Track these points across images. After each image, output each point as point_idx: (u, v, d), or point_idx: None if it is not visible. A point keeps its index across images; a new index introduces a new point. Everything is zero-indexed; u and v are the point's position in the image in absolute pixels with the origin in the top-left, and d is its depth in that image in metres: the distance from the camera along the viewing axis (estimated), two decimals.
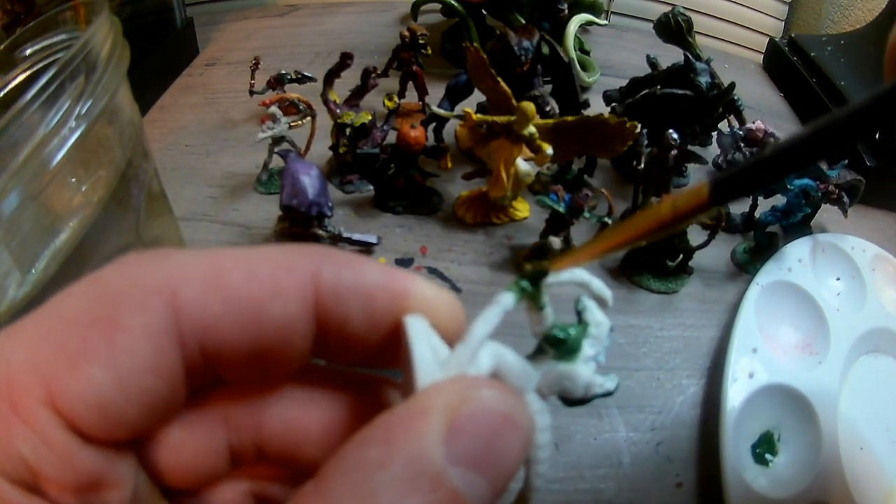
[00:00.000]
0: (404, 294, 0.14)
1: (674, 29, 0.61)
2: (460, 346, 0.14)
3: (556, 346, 0.15)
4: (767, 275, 0.46)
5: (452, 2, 0.69)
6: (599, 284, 0.16)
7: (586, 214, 0.45)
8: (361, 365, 0.16)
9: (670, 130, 0.48)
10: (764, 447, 0.37)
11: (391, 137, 0.52)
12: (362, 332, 0.14)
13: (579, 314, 0.16)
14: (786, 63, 0.76)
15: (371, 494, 0.11)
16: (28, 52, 0.33)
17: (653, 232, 0.13)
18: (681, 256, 0.48)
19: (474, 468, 0.12)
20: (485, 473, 0.12)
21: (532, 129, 0.45)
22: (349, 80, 0.55)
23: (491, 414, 0.13)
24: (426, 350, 0.14)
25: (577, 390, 0.15)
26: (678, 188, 0.57)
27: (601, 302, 0.16)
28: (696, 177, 0.59)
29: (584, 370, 0.15)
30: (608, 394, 0.16)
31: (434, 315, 0.15)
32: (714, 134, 0.60)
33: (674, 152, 0.49)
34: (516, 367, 0.14)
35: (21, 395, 0.12)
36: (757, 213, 0.52)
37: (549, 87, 0.55)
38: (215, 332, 0.13)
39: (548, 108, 0.49)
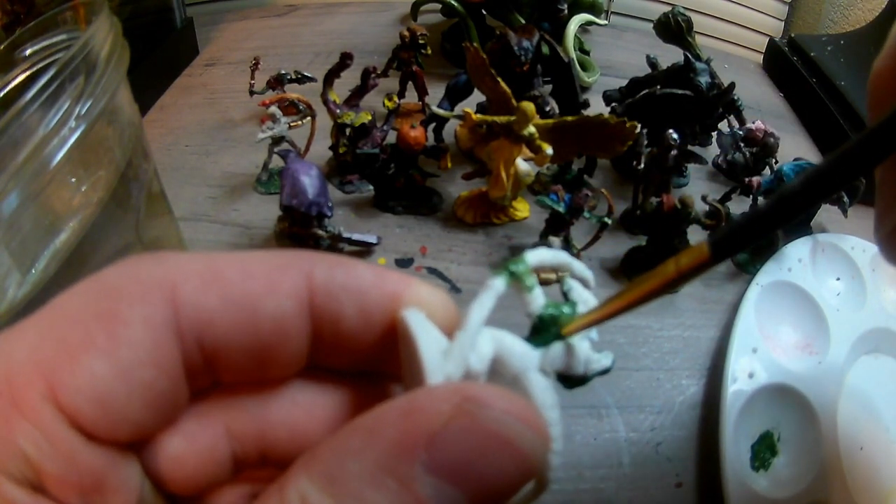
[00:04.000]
0: (397, 292, 0.15)
1: (674, 29, 0.61)
2: (460, 334, 0.14)
3: (550, 325, 0.15)
4: (767, 275, 0.46)
5: (452, 2, 0.69)
6: (580, 266, 0.17)
7: (586, 214, 0.45)
8: (358, 369, 0.16)
9: (670, 130, 0.48)
10: (764, 447, 0.37)
11: (391, 137, 0.52)
12: (356, 330, 0.15)
13: (565, 295, 0.16)
14: (786, 63, 0.76)
15: (341, 480, 0.11)
16: (28, 52, 0.33)
17: (659, 291, 0.14)
18: None
19: (453, 483, 0.12)
20: (463, 489, 0.12)
21: (532, 129, 0.45)
22: (349, 80, 0.55)
23: (482, 432, 0.12)
24: (430, 340, 0.14)
25: (579, 366, 0.15)
26: (678, 188, 0.57)
27: (584, 283, 0.17)
28: (696, 177, 0.59)
29: (582, 345, 0.15)
30: (606, 371, 0.16)
31: (428, 311, 0.15)
32: (714, 134, 0.60)
33: (674, 152, 0.49)
34: (517, 349, 0.14)
35: (22, 390, 0.12)
36: None
37: (549, 87, 0.55)
38: (213, 327, 0.13)
39: (548, 108, 0.49)
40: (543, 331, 0.15)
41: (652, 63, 0.60)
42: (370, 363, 0.16)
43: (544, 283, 0.16)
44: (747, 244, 0.13)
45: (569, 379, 0.15)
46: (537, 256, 0.16)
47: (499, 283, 0.15)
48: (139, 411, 0.13)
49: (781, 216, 0.12)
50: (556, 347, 0.15)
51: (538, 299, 0.15)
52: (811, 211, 0.50)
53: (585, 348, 0.15)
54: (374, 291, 0.15)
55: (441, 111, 0.53)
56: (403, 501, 0.11)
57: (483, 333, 0.14)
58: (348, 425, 0.12)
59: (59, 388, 0.12)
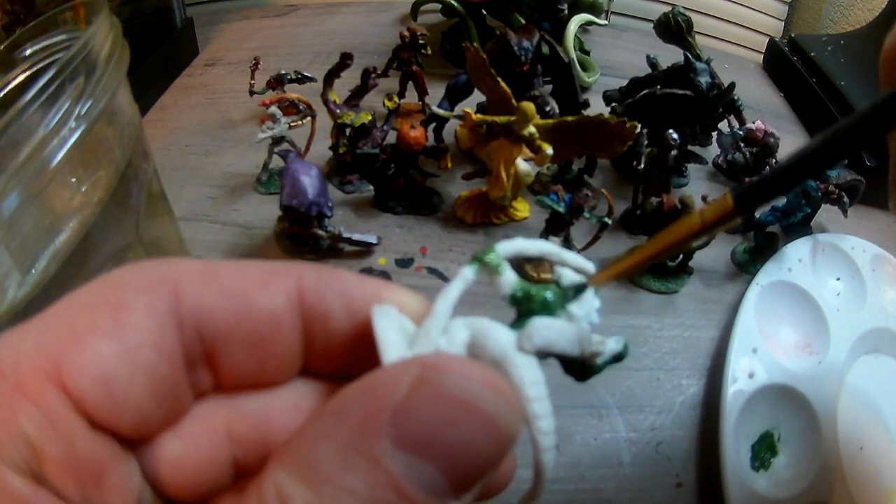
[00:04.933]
0: (378, 293, 0.15)
1: (674, 29, 0.61)
2: (427, 321, 0.14)
3: (524, 303, 0.15)
4: (767, 275, 0.46)
5: (452, 2, 0.69)
6: (573, 256, 0.16)
7: (586, 214, 0.45)
8: (354, 374, 0.16)
9: (670, 130, 0.48)
10: (764, 447, 0.37)
11: (391, 137, 0.52)
12: (344, 329, 0.15)
13: (556, 283, 0.16)
14: (786, 63, 0.76)
15: (313, 466, 0.11)
16: (28, 52, 0.33)
17: (684, 242, 0.14)
18: (681, 256, 0.48)
19: (421, 455, 0.11)
20: (435, 461, 0.11)
21: (532, 129, 0.45)
22: (349, 80, 0.55)
23: (445, 400, 0.12)
24: (390, 330, 0.14)
25: (568, 344, 0.14)
26: (678, 188, 0.57)
27: (585, 273, 0.16)
28: (696, 177, 0.59)
29: (569, 323, 0.15)
30: (619, 357, 0.15)
31: (405, 309, 0.15)
32: (714, 134, 0.60)
33: (674, 152, 0.49)
34: (494, 333, 0.14)
35: (28, 373, 0.12)
36: (757, 213, 0.52)
37: (549, 87, 0.55)
38: (211, 318, 0.14)
39: (548, 108, 0.49)
40: (520, 311, 0.15)
41: (652, 63, 0.60)
42: (364, 367, 0.16)
43: (545, 283, 0.16)
44: (769, 197, 0.13)
45: (578, 371, 0.15)
46: (514, 245, 0.16)
47: (467, 272, 0.15)
48: (141, 396, 0.13)
49: (801, 172, 0.13)
50: (534, 324, 0.14)
51: (509, 281, 0.15)
52: (812, 211, 0.50)
53: (576, 327, 0.15)
54: (357, 292, 0.15)
55: (441, 111, 0.53)
56: (376, 480, 0.11)
57: (457, 321, 0.14)
58: (316, 412, 0.13)
59: (65, 368, 0.12)
